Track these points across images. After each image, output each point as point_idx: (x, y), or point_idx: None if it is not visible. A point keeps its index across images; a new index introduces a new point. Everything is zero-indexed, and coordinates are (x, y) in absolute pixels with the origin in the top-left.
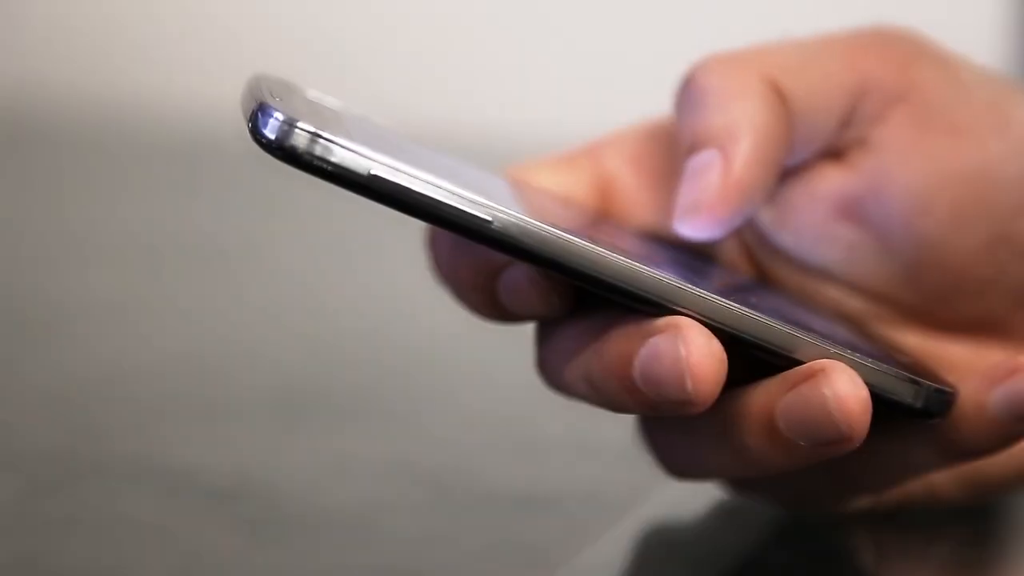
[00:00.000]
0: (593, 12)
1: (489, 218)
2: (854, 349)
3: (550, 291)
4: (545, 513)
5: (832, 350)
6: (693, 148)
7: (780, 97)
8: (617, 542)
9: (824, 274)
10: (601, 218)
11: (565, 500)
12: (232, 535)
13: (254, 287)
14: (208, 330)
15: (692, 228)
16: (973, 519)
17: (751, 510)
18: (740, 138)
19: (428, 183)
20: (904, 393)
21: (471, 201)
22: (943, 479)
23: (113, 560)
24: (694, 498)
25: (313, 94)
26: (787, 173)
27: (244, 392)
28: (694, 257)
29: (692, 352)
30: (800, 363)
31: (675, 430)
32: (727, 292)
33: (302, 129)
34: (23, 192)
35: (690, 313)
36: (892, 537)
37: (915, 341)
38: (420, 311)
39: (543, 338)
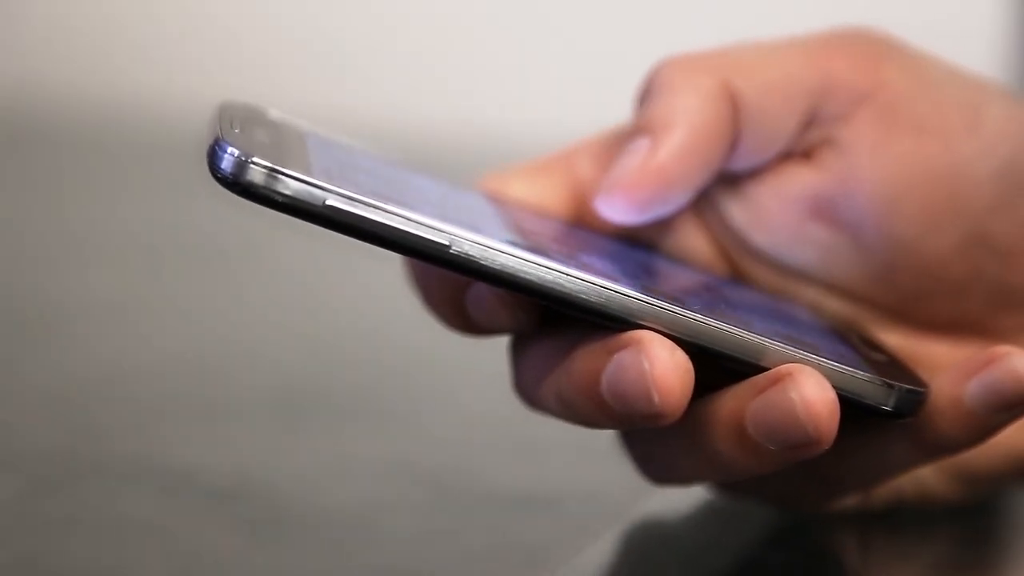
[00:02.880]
0: (593, 12)
1: (446, 243)
2: (822, 351)
3: (515, 307)
4: (545, 513)
5: (798, 355)
6: (632, 135)
7: (731, 98)
8: (617, 542)
9: (802, 275)
10: (573, 228)
11: (565, 500)
12: (232, 535)
13: (254, 287)
14: (208, 330)
15: (607, 207)
16: (967, 519)
17: (750, 510)
18: (673, 129)
19: (384, 211)
20: (873, 394)
21: (427, 226)
22: (934, 477)
23: (113, 560)
24: (693, 498)
25: (277, 115)
26: (756, 174)
27: (244, 392)
28: (669, 262)
29: (656, 366)
30: (767, 369)
31: (650, 439)
32: (696, 299)
33: (256, 164)
34: (23, 192)
35: (654, 326)
36: (885, 537)
37: (896, 340)
38: (420, 311)
39: (517, 357)
